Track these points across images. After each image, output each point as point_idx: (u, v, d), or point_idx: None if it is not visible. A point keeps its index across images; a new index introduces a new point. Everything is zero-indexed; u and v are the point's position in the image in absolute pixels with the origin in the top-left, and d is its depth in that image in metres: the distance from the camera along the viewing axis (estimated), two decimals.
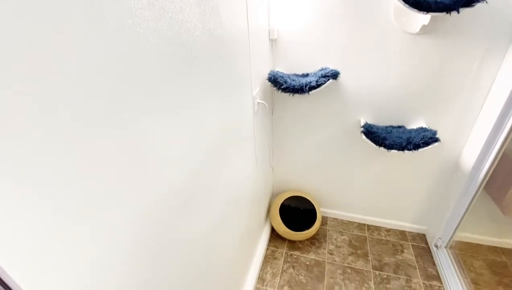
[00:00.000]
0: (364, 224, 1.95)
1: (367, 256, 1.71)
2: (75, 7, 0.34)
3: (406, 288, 1.53)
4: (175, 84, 0.58)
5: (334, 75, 1.31)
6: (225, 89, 0.86)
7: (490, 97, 1.26)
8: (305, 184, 1.90)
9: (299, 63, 1.42)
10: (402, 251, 1.74)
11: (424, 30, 1.17)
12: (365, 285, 1.55)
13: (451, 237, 1.59)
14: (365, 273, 1.61)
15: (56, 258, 0.36)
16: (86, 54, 0.36)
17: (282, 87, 1.28)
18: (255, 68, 1.15)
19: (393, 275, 1.60)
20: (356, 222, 1.96)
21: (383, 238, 1.84)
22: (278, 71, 1.38)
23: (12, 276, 0.31)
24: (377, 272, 1.61)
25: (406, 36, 1.22)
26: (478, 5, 0.98)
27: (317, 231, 1.85)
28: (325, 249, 1.77)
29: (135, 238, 0.52)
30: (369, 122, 1.47)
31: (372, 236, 1.86)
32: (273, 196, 2.05)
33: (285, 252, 1.74)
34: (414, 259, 1.69)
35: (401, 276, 1.59)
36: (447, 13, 1.00)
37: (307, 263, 1.68)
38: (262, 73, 1.30)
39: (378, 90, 1.39)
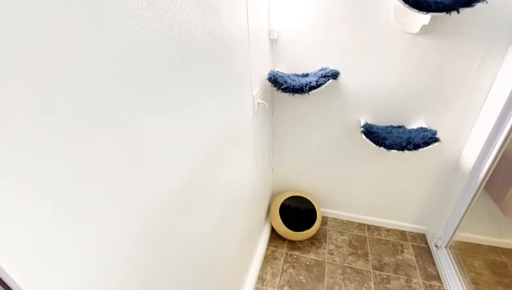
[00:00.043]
0: (364, 224, 1.95)
1: (367, 256, 1.71)
2: (75, 7, 0.34)
3: (406, 288, 1.53)
4: (175, 84, 0.58)
5: (334, 75, 1.31)
6: (225, 89, 0.86)
7: (490, 97, 1.26)
8: (305, 184, 1.90)
9: (299, 63, 1.42)
10: (402, 251, 1.74)
11: (424, 30, 1.17)
12: (365, 285, 1.55)
13: (451, 237, 1.59)
14: (365, 273, 1.61)
15: (56, 258, 0.36)
16: (86, 54, 0.36)
17: (282, 87, 1.28)
18: (255, 68, 1.15)
19: (393, 275, 1.60)
20: (356, 222, 1.96)
21: (383, 238, 1.84)
22: (278, 71, 1.38)
23: (12, 276, 0.31)
24: (377, 272, 1.61)
25: (406, 36, 1.22)
26: (478, 5, 0.98)
27: (317, 231, 1.85)
28: (325, 249, 1.77)
29: (135, 238, 0.52)
30: (369, 122, 1.47)
31: (372, 236, 1.86)
32: (273, 196, 2.05)
33: (285, 252, 1.74)
34: (414, 259, 1.69)
35: (401, 276, 1.59)
36: (447, 13, 1.00)
37: (307, 263, 1.68)
38: (262, 73, 1.30)
39: (378, 90, 1.39)
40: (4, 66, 0.28)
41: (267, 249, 1.77)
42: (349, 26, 1.26)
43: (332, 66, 1.37)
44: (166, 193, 0.60)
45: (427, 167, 1.58)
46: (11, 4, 0.28)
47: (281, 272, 1.62)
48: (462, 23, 1.14)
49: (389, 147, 1.31)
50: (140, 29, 0.46)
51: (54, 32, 0.32)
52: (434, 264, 1.66)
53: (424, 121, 1.42)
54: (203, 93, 0.72)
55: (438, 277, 1.58)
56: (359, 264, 1.66)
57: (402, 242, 1.81)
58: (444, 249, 1.66)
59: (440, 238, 1.67)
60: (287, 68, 1.45)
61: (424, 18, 1.11)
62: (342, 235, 1.87)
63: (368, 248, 1.77)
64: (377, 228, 1.91)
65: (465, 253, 1.62)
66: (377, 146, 1.34)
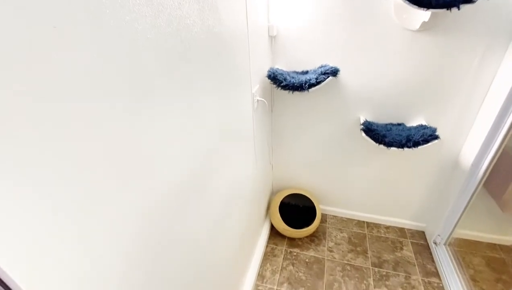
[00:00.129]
0: (364, 222, 1.95)
1: (367, 253, 1.72)
2: (74, 5, 0.34)
3: (405, 285, 1.54)
4: (173, 81, 0.58)
5: (334, 72, 1.30)
6: (224, 86, 0.85)
7: (490, 93, 1.26)
8: (304, 182, 1.91)
9: (298, 60, 1.41)
10: (401, 248, 1.75)
11: (425, 26, 1.16)
12: (365, 282, 1.56)
13: (450, 234, 1.60)
14: (365, 270, 1.62)
15: (56, 258, 0.36)
16: (84, 52, 0.36)
17: (282, 84, 1.27)
18: (254, 65, 1.14)
19: (392, 272, 1.61)
20: (355, 220, 1.97)
21: (383, 235, 1.85)
22: (277, 68, 1.37)
23: (12, 276, 0.31)
24: (376, 269, 1.62)
25: (407, 32, 1.22)
26: (478, 1, 0.98)
27: (317, 228, 1.85)
28: (324, 246, 1.77)
29: (135, 238, 0.51)
30: (368, 119, 1.47)
31: (371, 233, 1.86)
32: (273, 194, 2.05)
33: (285, 250, 1.75)
34: (413, 256, 1.70)
35: (400, 273, 1.60)
36: (447, 9, 1.00)
37: (307, 260, 1.68)
38: (262, 70, 1.29)
39: (378, 87, 1.38)
40: (4, 66, 0.28)
41: (267, 246, 1.77)
42: (349, 23, 1.25)
43: (331, 63, 1.36)
44: (166, 192, 0.60)
45: (427, 164, 1.58)
46: (11, 4, 0.27)
47: (281, 269, 1.63)
48: (462, 20, 1.14)
49: (388, 144, 1.31)
50: (138, 25, 0.45)
51: (53, 31, 0.32)
52: (433, 261, 1.66)
53: (424, 118, 1.42)
54: (202, 91, 0.71)
55: (437, 274, 1.59)
56: (359, 261, 1.67)
57: (401, 239, 1.81)
58: (443, 246, 1.66)
59: (439, 235, 1.67)
60: (287, 65, 1.44)
61: (424, 14, 1.10)
62: (341, 232, 1.87)
63: (368, 245, 1.78)
64: (377, 225, 1.92)
65: (464, 250, 1.63)
66: (377, 144, 1.34)
